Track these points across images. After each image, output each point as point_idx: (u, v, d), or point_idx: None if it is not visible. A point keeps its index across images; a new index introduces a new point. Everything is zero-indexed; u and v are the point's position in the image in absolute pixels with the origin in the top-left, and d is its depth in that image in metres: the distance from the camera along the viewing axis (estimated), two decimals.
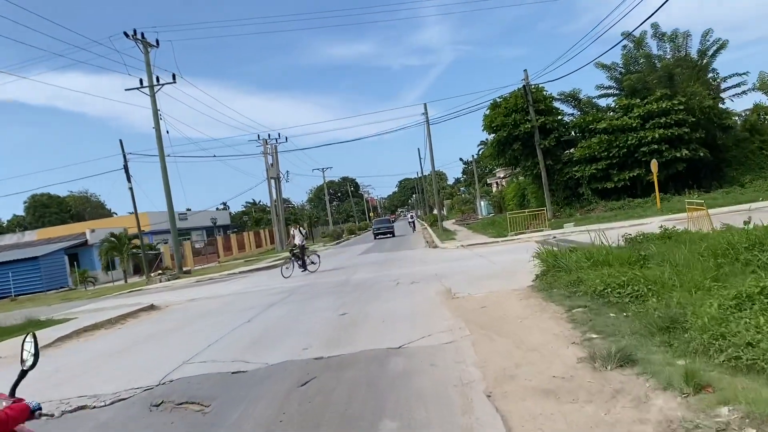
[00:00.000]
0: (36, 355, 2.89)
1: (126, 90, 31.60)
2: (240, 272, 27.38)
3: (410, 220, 56.83)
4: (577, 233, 22.70)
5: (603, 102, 33.26)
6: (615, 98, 32.12)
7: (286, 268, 20.64)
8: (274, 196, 53.18)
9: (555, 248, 14.05)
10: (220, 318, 12.54)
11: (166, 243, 50.35)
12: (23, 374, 2.88)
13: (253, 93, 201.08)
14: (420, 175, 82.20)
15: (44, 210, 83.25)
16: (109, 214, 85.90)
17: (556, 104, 32.59)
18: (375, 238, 47.31)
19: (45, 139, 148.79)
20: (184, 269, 32.37)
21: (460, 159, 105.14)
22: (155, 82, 31.37)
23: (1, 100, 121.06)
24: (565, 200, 31.82)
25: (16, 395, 2.78)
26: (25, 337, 2.95)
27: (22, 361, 2.88)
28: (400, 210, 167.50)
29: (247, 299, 15.50)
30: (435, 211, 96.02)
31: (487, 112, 32.36)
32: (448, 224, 48.66)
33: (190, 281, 26.49)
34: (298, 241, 21.42)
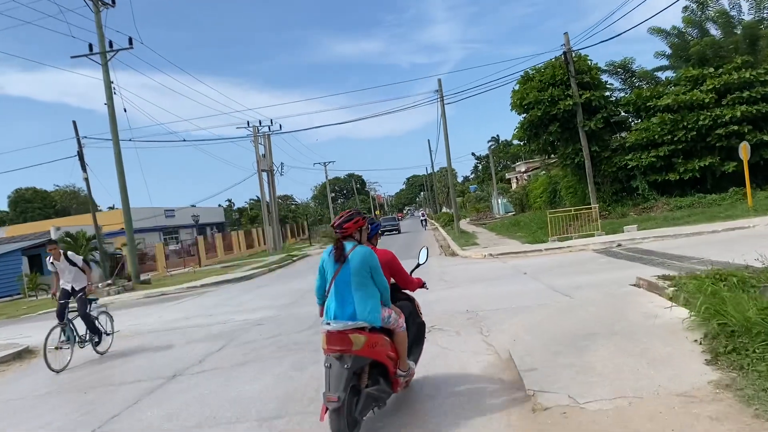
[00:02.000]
0: (426, 258, 6.01)
1: (72, 57, 25.74)
2: (202, 285, 21.44)
3: (422, 218, 57.66)
4: (651, 240, 16.61)
5: (661, 75, 27.09)
6: (675, 70, 25.92)
7: (54, 348, 8.85)
8: (267, 191, 47.25)
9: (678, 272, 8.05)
10: (51, 418, 6.56)
11: (138, 243, 44.55)
12: (417, 266, 5.94)
13: (262, 90, 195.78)
14: (431, 169, 75.96)
15: (26, 205, 77.84)
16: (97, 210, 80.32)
17: (604, 77, 26.39)
18: (382, 235, 45.36)
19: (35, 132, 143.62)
20: (143, 278, 26.48)
21: (472, 154, 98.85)
22: (107, 48, 25.45)
23: None
24: (614, 196, 25.62)
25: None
26: (421, 249, 6.03)
27: (419, 259, 5.94)
28: (407, 208, 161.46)
29: (157, 353, 9.47)
30: (445, 209, 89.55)
31: (517, 87, 26.24)
32: (463, 224, 42.43)
33: (136, 297, 20.60)
34: (68, 282, 9.42)
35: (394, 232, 49.01)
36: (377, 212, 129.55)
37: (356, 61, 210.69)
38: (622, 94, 26.69)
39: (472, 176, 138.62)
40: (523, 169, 49.88)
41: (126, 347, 10.19)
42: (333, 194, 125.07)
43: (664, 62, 26.87)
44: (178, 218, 57.57)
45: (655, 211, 23.24)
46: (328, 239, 49.44)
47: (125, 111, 25.98)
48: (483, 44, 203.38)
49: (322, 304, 4.67)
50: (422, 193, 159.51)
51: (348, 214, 4.66)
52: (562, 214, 21.09)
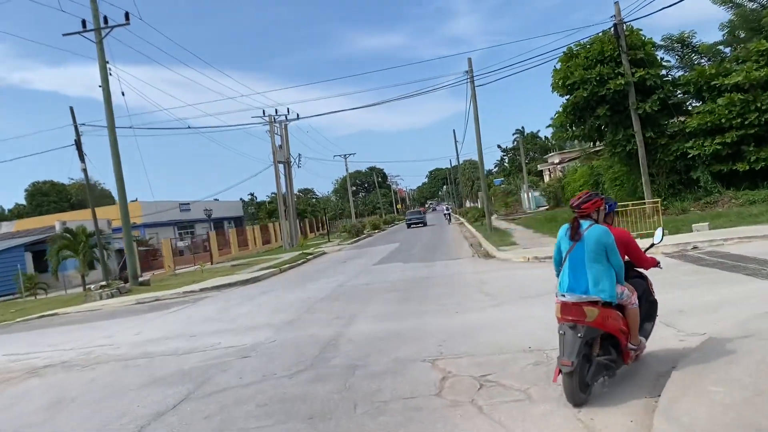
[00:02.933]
0: (662, 237, 5.82)
1: (65, 35, 23.41)
2: (202, 289, 18.90)
3: (446, 211, 57.78)
4: (736, 242, 13.59)
5: (726, 51, 23.77)
6: (742, 44, 22.63)
7: None
8: (283, 184, 44.79)
9: None
10: None
11: (150, 238, 42.48)
12: (652, 245, 5.72)
13: (284, 85, 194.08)
14: (456, 161, 72.79)
15: (42, 198, 76.63)
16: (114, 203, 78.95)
17: (659, 54, 23.21)
18: (408, 227, 50.49)
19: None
20: (144, 278, 24.10)
21: (498, 146, 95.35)
22: (102, 24, 23.02)
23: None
24: (669, 189, 22.50)
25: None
26: (657, 229, 6.00)
27: (654, 239, 5.80)
28: (429, 202, 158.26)
29: (89, 406, 6.79)
30: (469, 204, 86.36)
31: (558, 66, 23.24)
32: (492, 220, 39.33)
33: (127, 303, 18.14)
34: None
35: (420, 224, 50.00)
36: (398, 206, 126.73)
37: (380, 55, 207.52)
38: (681, 73, 23.52)
39: (496, 170, 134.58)
40: (556, 161, 46.59)
41: (62, 389, 7.60)
42: (354, 188, 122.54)
43: (729, 36, 23.57)
44: (194, 212, 55.34)
45: (720, 206, 20.15)
46: (347, 234, 46.87)
47: (123, 95, 23.64)
48: (506, 36, 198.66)
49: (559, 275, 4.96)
50: (444, 186, 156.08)
51: (587, 194, 4.94)
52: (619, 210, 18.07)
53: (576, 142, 30.12)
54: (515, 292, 10.74)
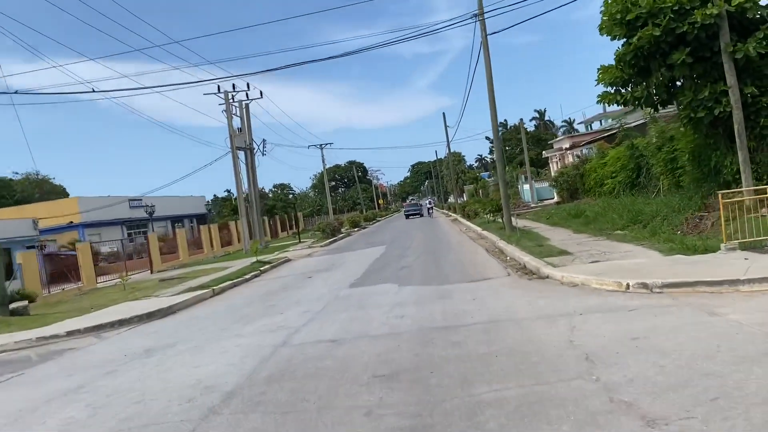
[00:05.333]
0: None
1: None
2: (68, 333, 11.64)
3: (429, 206, 63.32)
4: None
5: None
6: None
7: None
8: (243, 175, 37.49)
9: None
10: None
11: (80, 241, 34.88)
12: None
13: (261, 82, 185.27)
14: (447, 146, 66.24)
15: None
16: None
17: None
18: (407, 218, 57.87)
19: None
20: (16, 305, 16.64)
21: (487, 138, 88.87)
22: None
23: None
24: None
25: None
26: None
27: None
28: (411, 197, 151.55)
29: None
30: (453, 198, 79.55)
31: None
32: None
33: None
34: None
35: (417, 215, 59.36)
36: (380, 201, 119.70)
37: (358, 53, 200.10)
38: None
39: (477, 165, 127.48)
40: (566, 145, 39.83)
41: None
42: (333, 183, 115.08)
43: None
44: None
45: None
46: (321, 233, 39.73)
47: None
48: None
49: None
50: (427, 181, 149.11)
51: None
52: (745, 198, 11.34)
53: (622, 112, 23.28)
54: (724, 412, 3.78)
